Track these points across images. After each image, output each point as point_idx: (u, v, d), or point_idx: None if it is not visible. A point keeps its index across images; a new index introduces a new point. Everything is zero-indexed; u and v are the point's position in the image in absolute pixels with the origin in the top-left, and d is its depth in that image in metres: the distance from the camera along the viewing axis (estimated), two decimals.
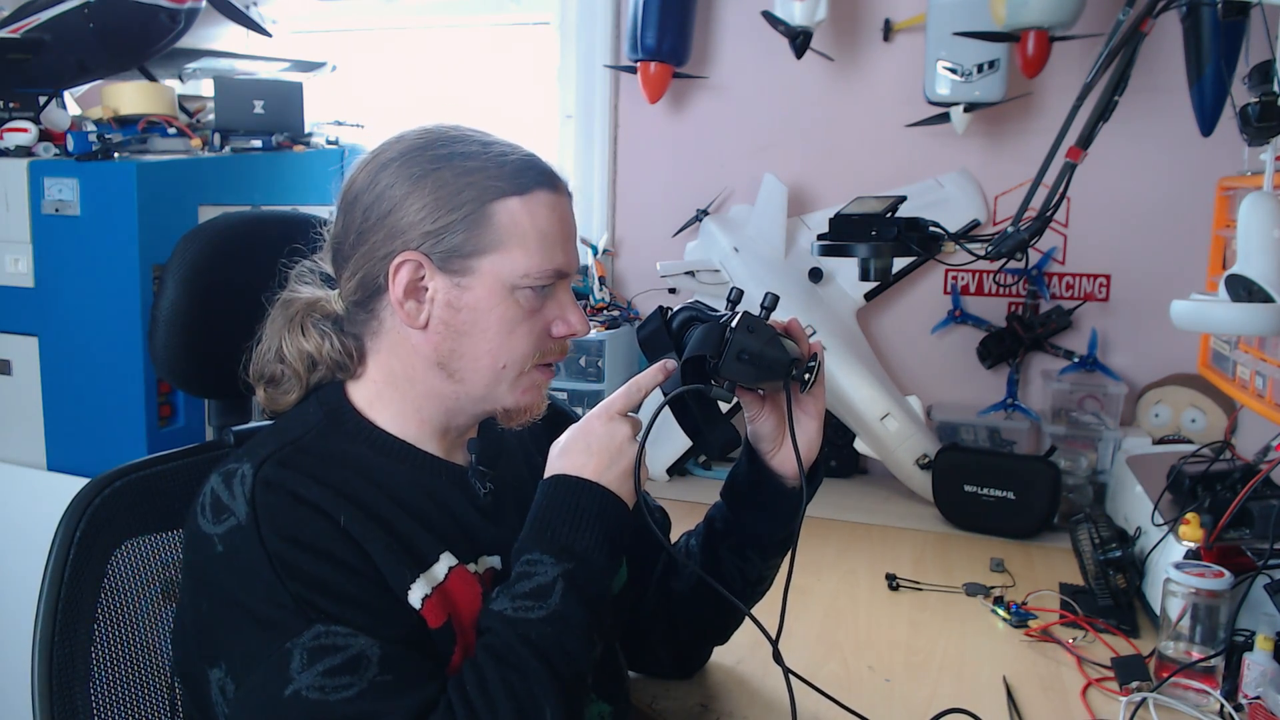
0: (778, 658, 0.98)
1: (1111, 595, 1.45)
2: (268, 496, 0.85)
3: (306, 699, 0.79)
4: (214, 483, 0.88)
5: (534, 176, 0.94)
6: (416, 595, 0.88)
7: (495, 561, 0.97)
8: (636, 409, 0.97)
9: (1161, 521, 1.45)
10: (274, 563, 0.82)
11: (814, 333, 1.99)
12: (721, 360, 0.96)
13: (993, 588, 1.54)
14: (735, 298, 1.04)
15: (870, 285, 2.10)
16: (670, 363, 1.00)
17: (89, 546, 0.99)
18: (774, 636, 0.98)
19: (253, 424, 1.14)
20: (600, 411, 0.95)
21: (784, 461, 1.07)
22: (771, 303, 1.01)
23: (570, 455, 0.93)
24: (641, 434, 0.94)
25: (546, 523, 0.89)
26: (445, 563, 0.92)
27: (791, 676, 0.98)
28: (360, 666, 0.80)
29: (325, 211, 1.05)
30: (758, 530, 1.11)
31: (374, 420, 0.97)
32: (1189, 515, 1.35)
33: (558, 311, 0.97)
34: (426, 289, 0.93)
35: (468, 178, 0.91)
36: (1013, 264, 1.98)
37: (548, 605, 0.85)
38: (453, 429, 0.99)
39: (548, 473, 0.93)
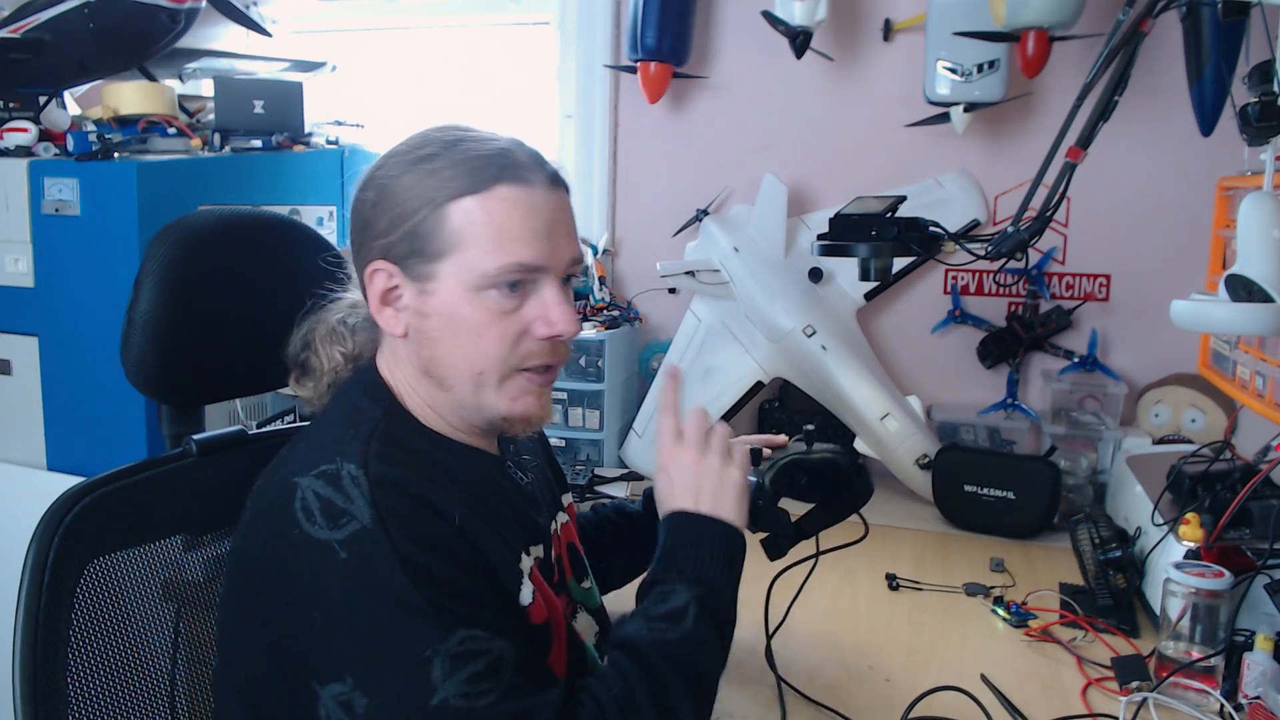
0: (768, 655, 1.01)
1: (1111, 595, 1.45)
2: (389, 498, 0.82)
3: (454, 707, 0.77)
4: (311, 485, 0.82)
5: (494, 172, 0.89)
6: (527, 593, 0.89)
7: (540, 550, 0.97)
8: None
9: (1161, 521, 1.45)
10: (406, 567, 0.79)
11: (813, 333, 1.99)
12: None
13: (993, 588, 1.54)
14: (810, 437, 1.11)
15: (870, 285, 2.10)
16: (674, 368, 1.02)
17: (60, 569, 0.92)
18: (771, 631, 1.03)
19: (218, 431, 1.10)
20: (688, 447, 0.99)
21: None
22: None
23: (680, 496, 0.98)
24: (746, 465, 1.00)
25: (674, 555, 0.94)
26: (528, 559, 0.92)
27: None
28: (500, 670, 0.79)
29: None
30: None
31: (419, 418, 0.95)
32: (1189, 515, 1.35)
33: (539, 311, 0.91)
34: (401, 296, 0.91)
35: (426, 181, 0.89)
36: (1013, 264, 1.98)
37: (682, 628, 0.88)
38: (477, 428, 0.96)
39: (661, 509, 0.98)
